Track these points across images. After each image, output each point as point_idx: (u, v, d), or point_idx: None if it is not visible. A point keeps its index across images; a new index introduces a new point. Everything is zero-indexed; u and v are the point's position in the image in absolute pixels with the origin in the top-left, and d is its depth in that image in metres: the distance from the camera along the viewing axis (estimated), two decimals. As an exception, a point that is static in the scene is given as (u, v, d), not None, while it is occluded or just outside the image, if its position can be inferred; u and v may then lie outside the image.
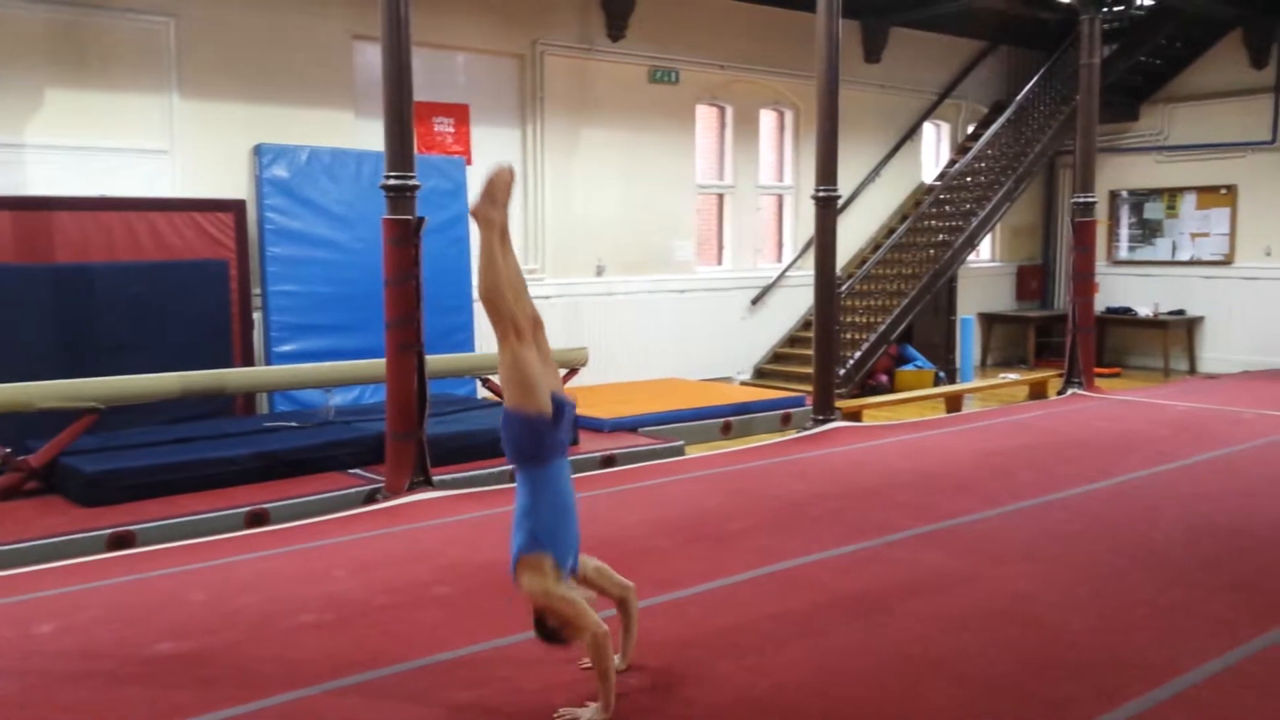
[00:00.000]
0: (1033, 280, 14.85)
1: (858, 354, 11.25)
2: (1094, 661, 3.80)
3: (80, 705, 3.51)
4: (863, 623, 4.21)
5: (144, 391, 6.69)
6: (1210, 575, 4.77)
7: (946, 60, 13.62)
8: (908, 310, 11.68)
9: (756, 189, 12.27)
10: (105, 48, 8.01)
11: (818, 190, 8.56)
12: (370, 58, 8.92)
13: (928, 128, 13.79)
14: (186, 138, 8.36)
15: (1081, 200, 10.54)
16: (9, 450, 6.21)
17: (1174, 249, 13.56)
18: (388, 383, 6.34)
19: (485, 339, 9.83)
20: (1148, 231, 13.80)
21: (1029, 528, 5.57)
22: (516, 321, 3.44)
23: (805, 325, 11.96)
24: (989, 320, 14.25)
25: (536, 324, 3.53)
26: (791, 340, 12.31)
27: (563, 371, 8.71)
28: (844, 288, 11.12)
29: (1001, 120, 12.81)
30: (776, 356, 12.25)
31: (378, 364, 6.87)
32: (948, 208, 12.49)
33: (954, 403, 10.22)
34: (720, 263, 12.16)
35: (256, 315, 8.45)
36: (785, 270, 12.34)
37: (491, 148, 10.01)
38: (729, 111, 11.94)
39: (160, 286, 7.74)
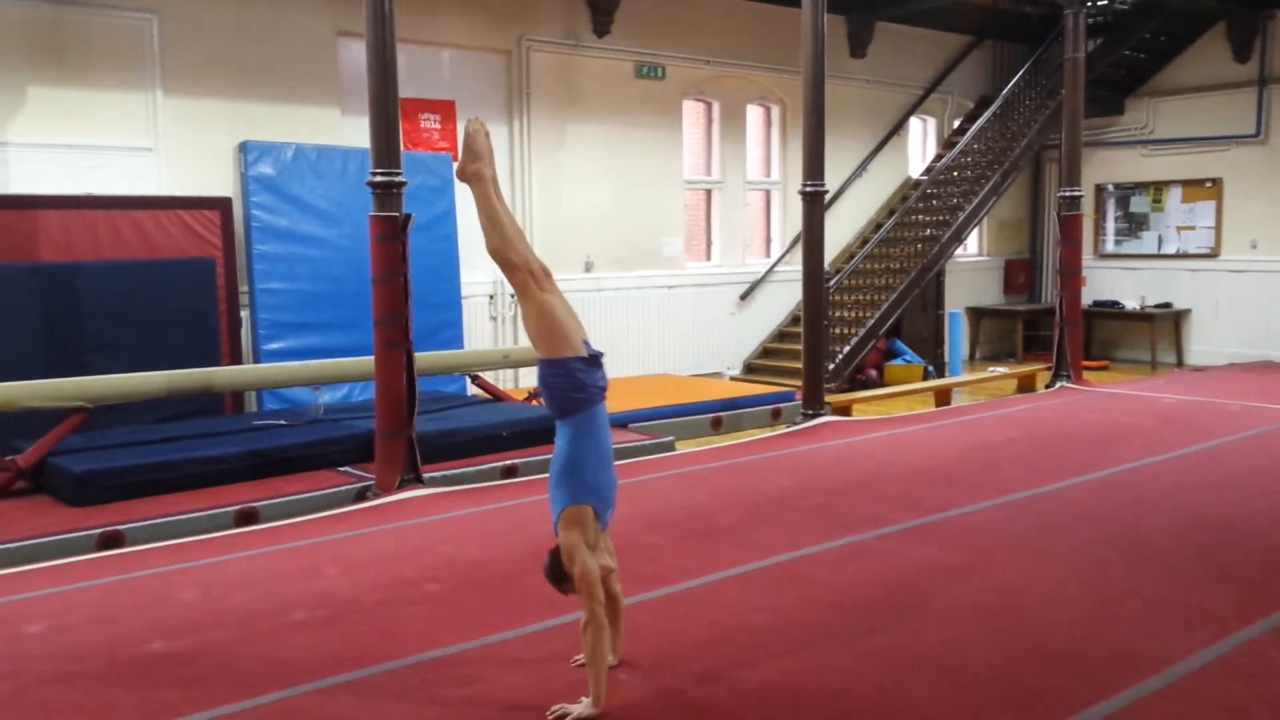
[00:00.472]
0: (1020, 274, 14.90)
1: (847, 348, 11.28)
2: (1083, 653, 3.82)
3: (70, 705, 3.50)
4: (851, 616, 4.22)
5: (131, 390, 6.67)
6: (1198, 567, 4.79)
7: (932, 55, 13.64)
8: (896, 305, 11.70)
9: (744, 184, 12.27)
10: (88, 45, 7.97)
11: (805, 185, 8.57)
12: (355, 54, 8.89)
13: (914, 122, 13.81)
14: (171, 135, 8.32)
15: (1068, 194, 10.57)
16: (-5, 450, 6.18)
17: (1160, 242, 13.62)
18: (376, 380, 6.32)
19: (474, 336, 9.83)
20: (1134, 225, 13.85)
21: (1018, 521, 5.60)
22: (533, 269, 3.45)
23: (794, 320, 11.97)
24: (977, 314, 14.29)
25: (546, 274, 3.54)
26: (780, 335, 12.33)
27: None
28: (832, 282, 11.14)
29: (987, 115, 12.84)
30: (766, 351, 12.27)
31: (366, 361, 6.86)
32: (935, 202, 12.52)
33: (943, 397, 10.25)
34: (709, 258, 12.16)
35: (244, 313, 8.42)
36: (774, 265, 12.35)
37: (479, 144, 9.97)
38: (715, 107, 11.94)
39: (146, 285, 7.71)
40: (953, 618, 4.19)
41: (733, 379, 11.71)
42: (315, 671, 3.71)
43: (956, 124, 14.01)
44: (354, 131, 8.81)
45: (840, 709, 3.42)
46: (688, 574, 4.73)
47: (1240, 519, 5.58)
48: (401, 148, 6.43)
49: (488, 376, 8.74)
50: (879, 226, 12.75)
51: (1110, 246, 14.08)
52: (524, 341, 10.14)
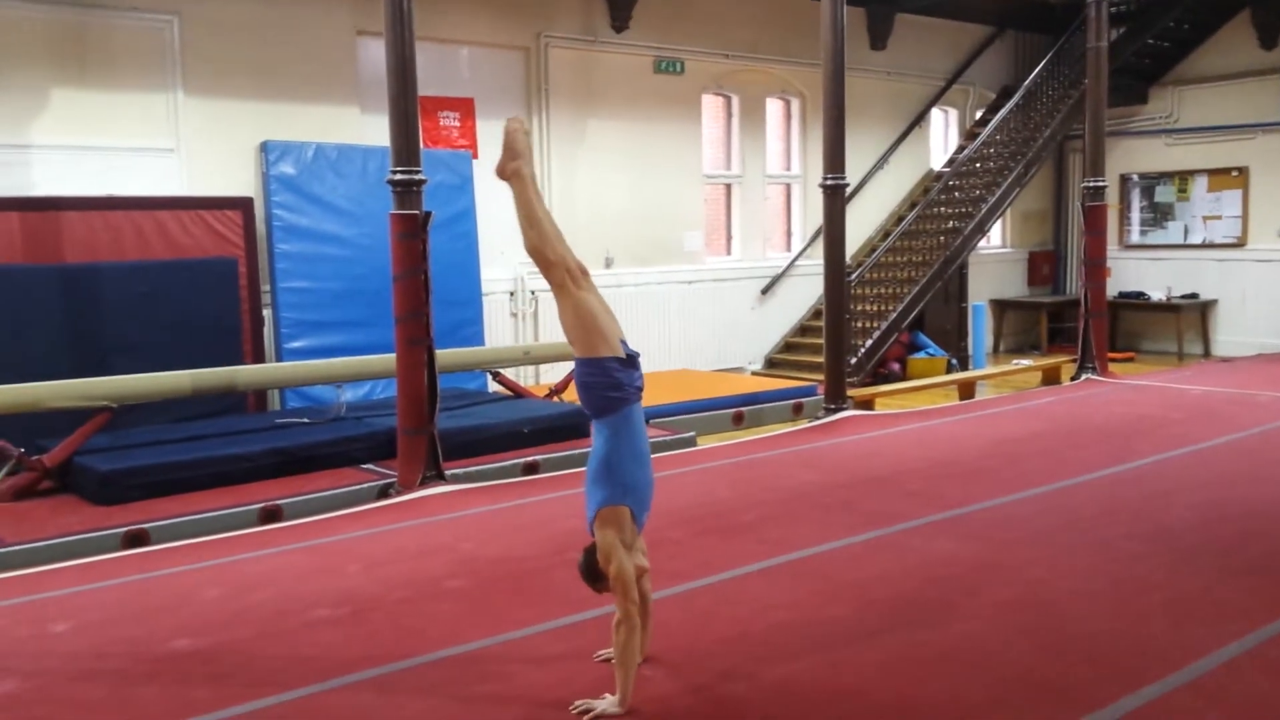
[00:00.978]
0: (1044, 266, 14.79)
1: (869, 342, 11.23)
2: (1109, 647, 3.78)
3: (95, 703, 3.52)
4: (874, 611, 4.20)
5: (155, 390, 6.72)
6: (1225, 560, 4.74)
7: (953, 46, 13.55)
8: (919, 298, 11.64)
9: (764, 178, 12.23)
10: (109, 47, 8.02)
11: (826, 178, 8.53)
12: (374, 53, 8.88)
13: (935, 114, 13.72)
14: (192, 136, 8.37)
15: (1092, 185, 10.48)
16: (22, 450, 6.23)
17: (1186, 232, 13.48)
18: (398, 378, 6.34)
19: (495, 333, 9.84)
20: (1159, 215, 13.72)
21: (1042, 515, 5.55)
22: (570, 267, 3.44)
23: (816, 314, 11.93)
24: (1001, 307, 14.19)
25: (584, 272, 3.52)
26: (802, 329, 12.28)
27: (572, 365, 8.70)
28: (854, 276, 11.10)
29: (1010, 105, 12.74)
30: (787, 346, 12.23)
31: (388, 359, 6.88)
32: (957, 194, 12.44)
33: (966, 390, 10.18)
34: (729, 253, 12.13)
35: (266, 312, 8.46)
36: (795, 259, 12.30)
37: (497, 141, 9.95)
38: (735, 101, 11.90)
39: (169, 285, 7.76)
40: (976, 613, 4.16)
41: (754, 374, 11.68)
42: (338, 669, 3.72)
43: (979, 115, 13.91)
44: (374, 130, 8.83)
45: (863, 704, 3.40)
46: (710, 569, 4.72)
47: (1267, 511, 5.51)
48: (421, 145, 6.44)
49: (509, 373, 8.74)
50: (900, 219, 12.68)
51: (1135, 237, 13.95)
52: (544, 338, 10.16)
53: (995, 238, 14.24)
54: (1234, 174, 12.99)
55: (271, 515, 5.90)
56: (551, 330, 10.27)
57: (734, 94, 11.85)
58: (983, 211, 12.09)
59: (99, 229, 7.69)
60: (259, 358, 8.28)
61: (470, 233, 9.33)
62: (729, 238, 12.14)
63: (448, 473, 6.43)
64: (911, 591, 4.43)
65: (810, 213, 12.20)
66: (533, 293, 10.25)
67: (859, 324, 11.26)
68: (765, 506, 5.84)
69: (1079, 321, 10.76)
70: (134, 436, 6.82)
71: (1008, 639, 3.89)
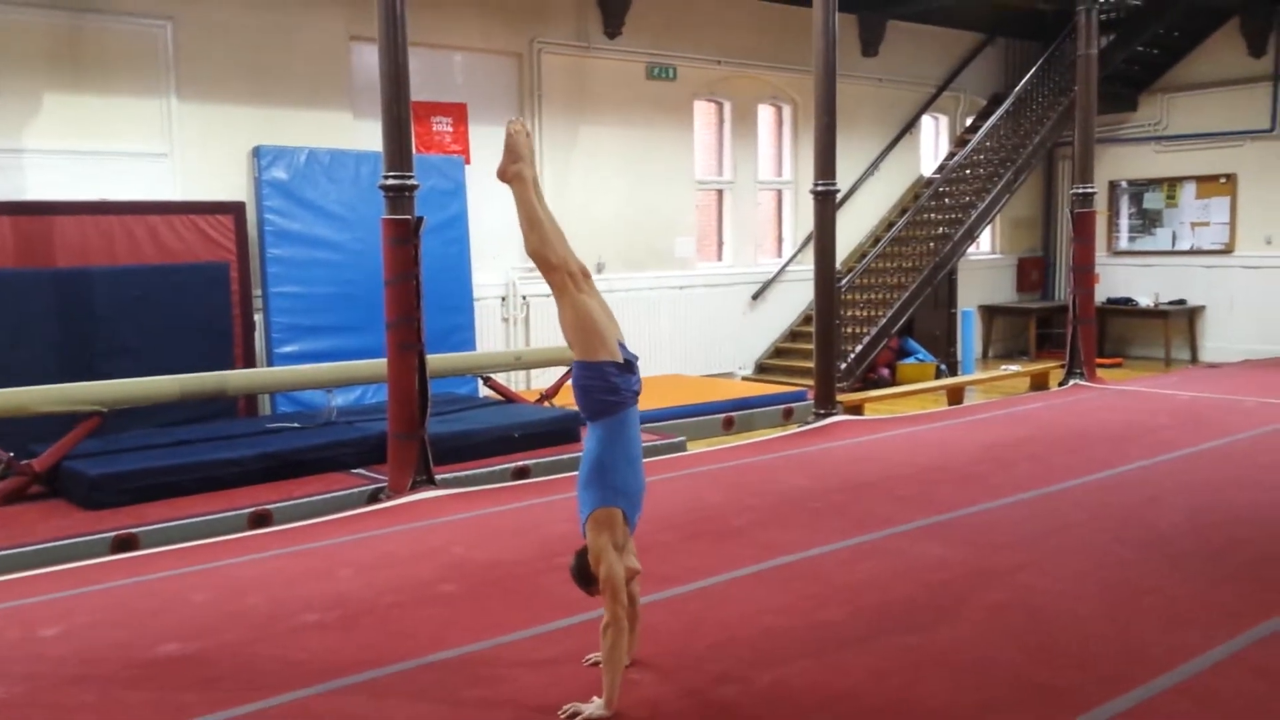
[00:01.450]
0: (1033, 272, 14.85)
1: (859, 348, 11.26)
2: (1098, 650, 3.80)
3: (85, 707, 3.52)
4: (864, 615, 4.21)
5: (146, 394, 6.71)
6: (1214, 564, 4.77)
7: (944, 53, 13.61)
8: (908, 303, 11.68)
9: (756, 184, 12.26)
10: (102, 51, 8.02)
11: (816, 184, 8.55)
12: (367, 58, 8.90)
13: (926, 120, 13.78)
14: (185, 140, 8.37)
15: (1081, 191, 10.53)
16: (12, 455, 6.22)
17: (1174, 239, 13.55)
18: (389, 382, 6.34)
19: (486, 338, 9.84)
20: (1148, 221, 13.80)
21: (1032, 519, 5.57)
22: (571, 270, 3.45)
23: (806, 320, 11.96)
24: (990, 312, 14.25)
25: (585, 275, 3.53)
26: (793, 335, 12.32)
27: (563, 370, 8.72)
28: (844, 282, 11.13)
29: (1000, 112, 12.81)
30: (778, 351, 12.26)
31: (379, 364, 6.88)
32: (947, 200, 12.50)
33: (955, 395, 10.22)
34: (720, 258, 12.16)
35: (258, 317, 8.46)
36: (785, 265, 12.34)
37: (490, 146, 10.01)
38: (727, 107, 11.94)
39: (161, 289, 7.75)
40: (966, 616, 4.18)
41: (744, 379, 11.70)
42: (329, 672, 3.72)
43: (969, 122, 13.98)
44: (366, 135, 8.85)
45: (854, 708, 3.41)
46: (701, 573, 4.72)
47: (1255, 515, 5.54)
48: (414, 151, 6.45)
49: (500, 378, 8.75)
50: (891, 225, 12.74)
51: (1124, 243, 14.02)
52: (536, 343, 10.17)
53: (985, 244, 14.30)
54: (1222, 181, 13.07)
55: (261, 520, 5.90)
56: (543, 335, 10.28)
57: (726, 100, 11.89)
58: (972, 218, 12.14)
59: (91, 233, 7.68)
60: (250, 362, 8.28)
61: (462, 238, 9.34)
62: (720, 243, 12.17)
63: (438, 477, 6.43)
64: (902, 596, 4.44)
65: (801, 219, 12.24)
66: (524, 298, 10.27)
67: (849, 329, 11.29)
68: (755, 511, 5.85)
69: (1067, 327, 10.80)
70: (124, 441, 6.81)
71: (998, 643, 3.90)
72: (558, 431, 7.54)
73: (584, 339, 3.43)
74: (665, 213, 11.34)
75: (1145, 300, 13.49)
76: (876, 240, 12.69)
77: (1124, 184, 13.94)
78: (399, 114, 6.22)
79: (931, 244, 12.01)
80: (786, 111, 12.46)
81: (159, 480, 6.13)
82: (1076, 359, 10.60)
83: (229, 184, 8.50)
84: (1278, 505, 5.74)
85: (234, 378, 7.31)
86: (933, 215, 12.38)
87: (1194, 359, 13.25)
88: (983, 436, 7.94)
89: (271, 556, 5.21)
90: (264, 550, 5.30)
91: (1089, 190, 10.54)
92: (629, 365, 3.46)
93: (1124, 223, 14.00)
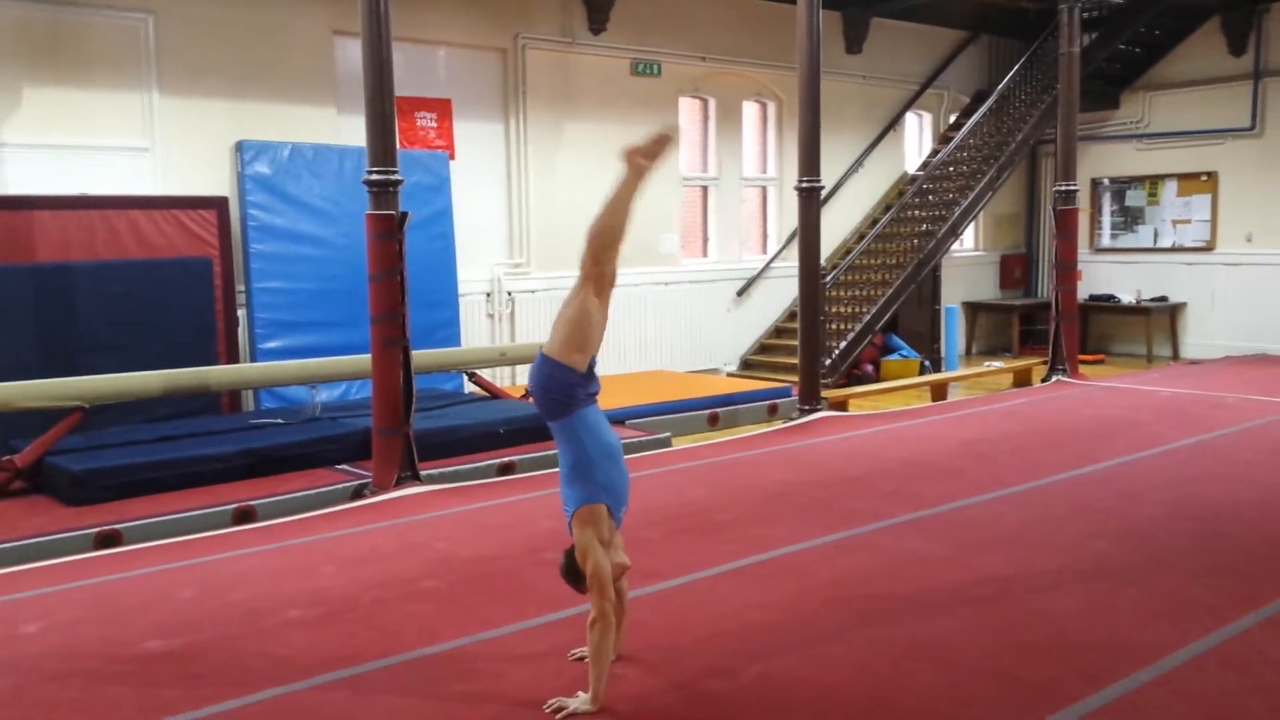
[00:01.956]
0: (1016, 269, 14.92)
1: (843, 344, 11.29)
2: (1079, 644, 3.84)
3: (67, 703, 3.51)
4: (848, 609, 4.24)
5: (128, 390, 6.68)
6: (1193, 559, 4.81)
7: (928, 50, 13.65)
8: (892, 300, 11.72)
9: (740, 181, 12.28)
10: (83, 45, 7.96)
11: (801, 181, 8.58)
12: (351, 53, 8.87)
13: (910, 118, 13.82)
14: (167, 135, 8.32)
15: (1063, 188, 10.58)
16: (-7, 451, 6.19)
17: (1156, 236, 13.64)
18: (373, 378, 6.33)
19: (471, 333, 9.83)
20: (1130, 219, 13.88)
21: (1014, 514, 5.61)
22: (605, 271, 3.51)
23: (791, 316, 11.99)
24: (973, 309, 14.31)
25: (610, 284, 3.59)
26: (777, 331, 12.34)
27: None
28: (829, 278, 11.15)
29: (983, 110, 12.85)
30: (763, 348, 12.28)
31: (363, 360, 6.87)
32: (931, 197, 12.53)
33: (939, 391, 10.26)
34: (705, 255, 12.17)
35: (241, 312, 8.42)
36: (770, 261, 12.36)
37: (474, 142, 10.01)
38: (711, 104, 11.94)
39: (143, 285, 7.71)
40: (949, 610, 4.20)
41: (729, 375, 11.72)
42: (313, 668, 3.72)
43: (952, 119, 14.02)
44: (350, 130, 8.82)
45: (838, 701, 3.43)
46: (686, 569, 4.74)
47: (1235, 511, 5.59)
48: (398, 146, 6.44)
49: (485, 374, 8.75)
50: (875, 222, 12.77)
51: (1106, 240, 14.10)
52: (521, 339, 10.16)
53: (968, 241, 14.35)
54: (1203, 179, 13.15)
55: (245, 516, 5.88)
56: (527, 331, 10.27)
57: (711, 96, 11.90)
58: (956, 215, 12.19)
59: (72, 228, 7.63)
60: (233, 358, 8.25)
61: (447, 233, 9.33)
62: (705, 240, 12.18)
63: (423, 473, 6.42)
64: (885, 591, 4.47)
65: (786, 215, 12.26)
66: (509, 294, 10.26)
67: (833, 326, 11.32)
68: (740, 506, 5.87)
69: (1050, 324, 10.87)
70: (107, 437, 6.78)
71: (979, 637, 3.93)
72: (543, 427, 7.45)
73: (570, 337, 3.45)
74: (650, 209, 11.29)
75: (1127, 297, 13.57)
76: (861, 237, 12.72)
77: (1106, 181, 14.01)
78: (383, 109, 6.21)
79: (915, 241, 12.05)
80: (771, 108, 12.48)
81: (142, 476, 6.11)
82: (1059, 355, 10.66)
83: (211, 179, 8.45)
84: (1256, 501, 5.79)
85: (217, 373, 7.29)
86: (917, 212, 12.42)
87: (1175, 355, 13.34)
88: (966, 432, 7.98)
89: (255, 553, 5.20)
90: (247, 546, 5.30)
91: (1071, 188, 10.60)
92: (590, 372, 3.50)
93: (1106, 220, 14.08)
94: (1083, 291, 12.05)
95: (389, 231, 6.19)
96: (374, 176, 6.19)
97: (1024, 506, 5.77)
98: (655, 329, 11.31)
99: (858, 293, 11.77)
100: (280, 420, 7.38)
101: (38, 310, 7.29)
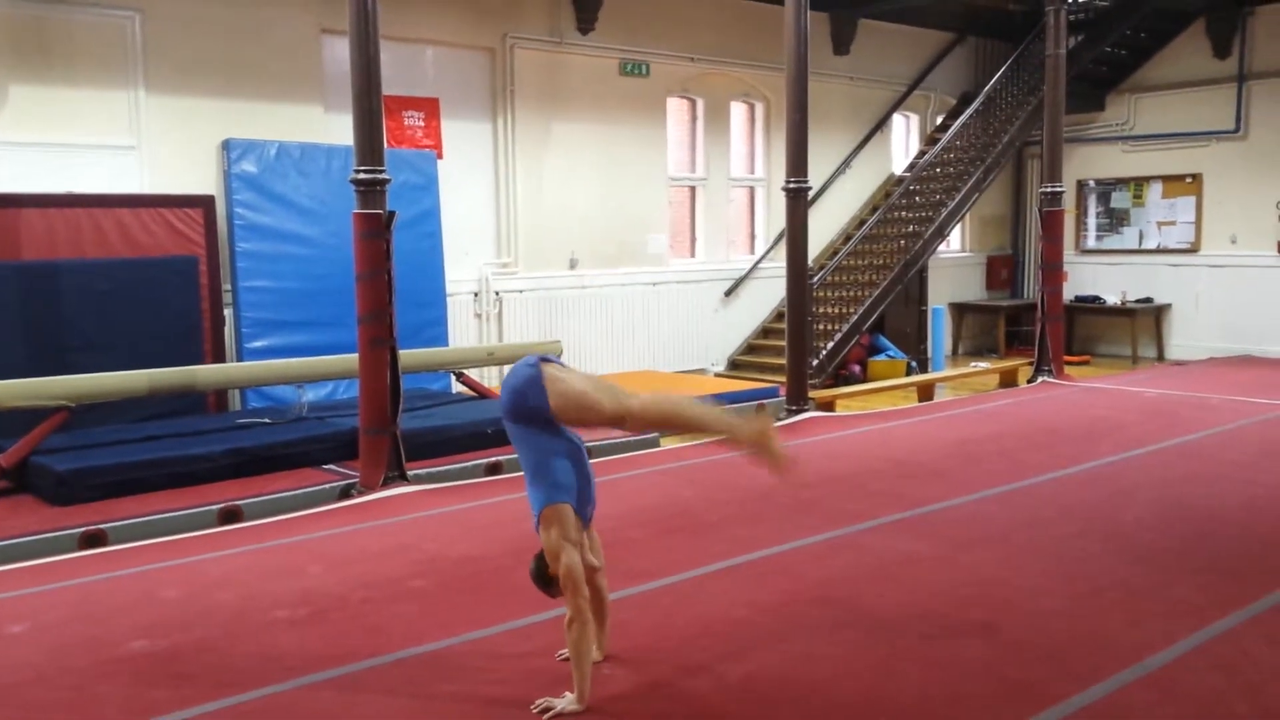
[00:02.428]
0: (1002, 270, 14.98)
1: (830, 344, 11.32)
2: (1065, 644, 3.85)
3: (53, 704, 3.49)
4: (835, 609, 4.25)
5: (113, 389, 6.65)
6: (1178, 559, 4.84)
7: (915, 52, 13.69)
8: (879, 300, 11.75)
9: (728, 181, 12.30)
10: (70, 43, 7.92)
11: (788, 182, 8.59)
12: (339, 51, 8.85)
13: (897, 119, 13.86)
14: (153, 133, 8.29)
15: (1049, 190, 10.63)
16: (-23, 450, 6.15)
17: (1141, 238, 13.71)
18: (360, 378, 6.32)
19: (459, 334, 9.82)
20: (1115, 220, 13.94)
21: (1000, 514, 5.63)
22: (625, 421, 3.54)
23: (778, 316, 12.00)
24: (960, 310, 14.36)
25: (622, 419, 3.56)
26: (765, 331, 12.36)
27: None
28: (816, 279, 11.18)
29: (970, 111, 12.90)
30: (750, 348, 12.30)
31: (350, 359, 6.85)
32: (918, 198, 12.57)
33: (926, 392, 10.29)
34: (693, 255, 12.18)
35: (227, 311, 8.39)
36: (758, 262, 12.38)
37: (462, 141, 9.99)
38: (700, 104, 11.96)
39: (129, 284, 7.67)
40: (935, 610, 4.22)
41: (717, 375, 11.73)
42: (299, 669, 3.71)
43: (939, 120, 14.07)
44: (338, 129, 8.78)
45: (825, 702, 3.44)
46: (673, 568, 4.74)
47: (1219, 511, 5.63)
48: (385, 145, 6.43)
49: (472, 374, 8.74)
50: (862, 223, 12.80)
51: (1092, 242, 14.16)
52: (509, 339, 10.15)
53: (955, 242, 14.39)
54: (1188, 180, 13.22)
55: (232, 516, 5.86)
56: (515, 331, 10.26)
57: (699, 97, 11.91)
58: (942, 216, 12.22)
59: (58, 226, 7.60)
60: (219, 357, 8.22)
61: (435, 233, 9.31)
62: (693, 240, 12.19)
63: (410, 473, 6.41)
64: (873, 590, 4.48)
65: (773, 216, 12.28)
66: (497, 294, 10.25)
67: (821, 326, 11.34)
68: (728, 506, 5.87)
69: (1036, 325, 10.91)
70: (92, 436, 6.75)
71: (967, 637, 3.95)
72: (530, 427, 7.52)
73: (572, 403, 3.45)
74: (638, 209, 11.34)
75: (1112, 298, 13.64)
76: (848, 238, 12.75)
77: (1092, 183, 14.08)
78: (370, 107, 6.19)
79: (902, 242, 12.08)
80: (759, 109, 12.50)
81: (127, 476, 6.08)
82: (1045, 356, 10.71)
83: (198, 177, 8.42)
84: (1241, 501, 5.83)
85: (203, 373, 7.26)
86: (904, 213, 12.46)
87: (1160, 357, 13.41)
88: (952, 433, 8.01)
89: (242, 553, 5.18)
90: (234, 546, 5.28)
91: (1057, 189, 10.64)
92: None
93: (1092, 221, 14.14)
94: (1068, 293, 12.10)
95: (376, 231, 6.17)
96: (361, 175, 6.18)
97: (1011, 507, 5.79)
98: (643, 329, 11.31)
99: (845, 293, 11.79)
100: (267, 420, 7.35)
101: (23, 309, 7.25)
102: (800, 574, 4.69)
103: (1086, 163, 14.00)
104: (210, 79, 8.51)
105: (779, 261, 10.38)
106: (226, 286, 8.39)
